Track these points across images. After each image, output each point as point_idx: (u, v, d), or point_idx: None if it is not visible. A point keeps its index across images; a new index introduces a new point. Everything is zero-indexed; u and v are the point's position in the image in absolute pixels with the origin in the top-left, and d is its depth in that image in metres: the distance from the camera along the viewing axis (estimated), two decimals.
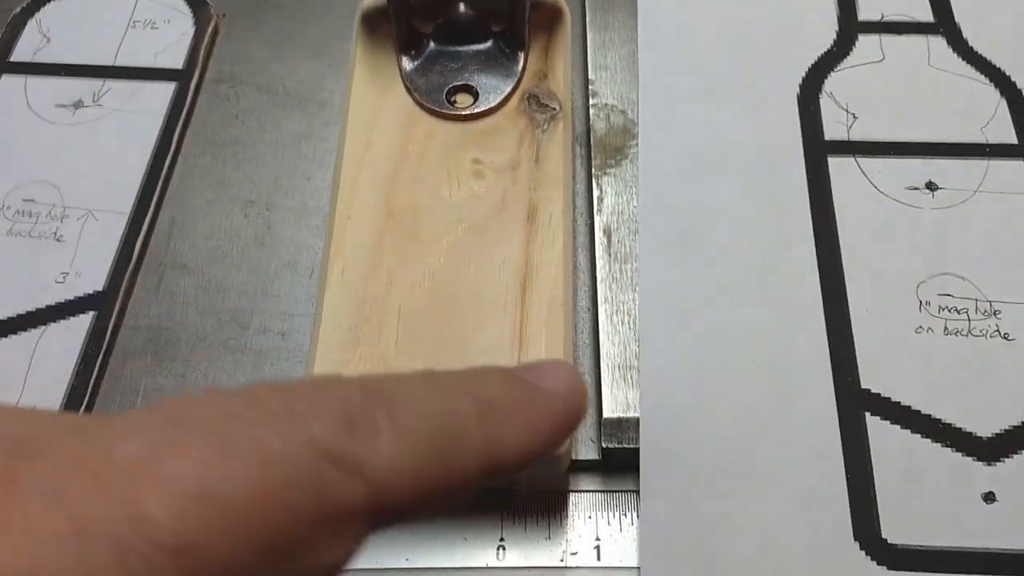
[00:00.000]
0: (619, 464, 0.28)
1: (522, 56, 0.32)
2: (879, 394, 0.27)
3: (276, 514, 0.11)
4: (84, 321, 0.29)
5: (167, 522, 0.10)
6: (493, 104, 0.31)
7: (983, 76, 0.34)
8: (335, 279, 0.27)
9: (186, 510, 0.10)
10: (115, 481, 0.10)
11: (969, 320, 0.28)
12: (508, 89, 0.31)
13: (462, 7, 0.32)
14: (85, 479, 0.10)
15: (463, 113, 0.31)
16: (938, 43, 0.35)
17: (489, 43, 0.32)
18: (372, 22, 0.33)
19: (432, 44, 0.32)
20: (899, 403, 0.27)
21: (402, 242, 0.28)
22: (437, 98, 0.31)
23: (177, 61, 0.36)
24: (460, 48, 0.32)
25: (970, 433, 0.26)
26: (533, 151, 0.30)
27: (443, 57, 0.32)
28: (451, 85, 0.31)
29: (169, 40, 0.37)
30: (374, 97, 0.31)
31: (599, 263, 0.31)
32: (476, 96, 0.31)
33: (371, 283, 0.27)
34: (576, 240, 0.32)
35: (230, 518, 0.11)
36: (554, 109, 0.31)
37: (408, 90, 0.31)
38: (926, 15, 0.36)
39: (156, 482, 0.10)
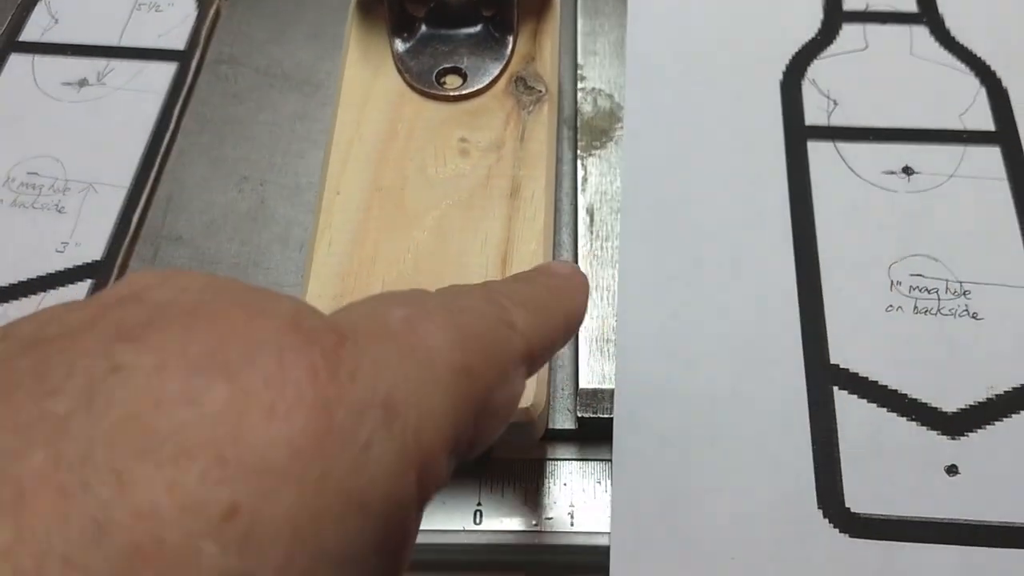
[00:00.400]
0: (594, 433, 0.28)
1: (511, 40, 0.33)
2: (847, 369, 0.28)
3: (498, 351, 0.16)
4: (82, 289, 0.30)
5: (449, 354, 0.14)
6: (481, 86, 0.32)
7: (964, 65, 0.35)
8: (322, 252, 0.28)
9: (462, 346, 0.15)
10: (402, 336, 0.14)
11: (939, 300, 0.29)
12: (496, 71, 0.32)
13: None
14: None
15: (452, 94, 0.32)
16: (921, 33, 0.36)
17: (479, 27, 0.33)
18: (367, 5, 0.34)
19: (424, 27, 0.33)
20: (867, 378, 0.28)
21: (388, 217, 0.29)
22: (427, 79, 0.32)
23: (179, 42, 0.38)
24: (451, 31, 0.33)
25: (935, 408, 0.27)
26: (518, 131, 0.31)
27: (434, 40, 0.33)
28: (441, 67, 0.32)
29: (172, 22, 0.38)
30: (366, 78, 0.32)
31: (581, 241, 0.31)
32: (465, 78, 0.32)
33: (356, 256, 0.28)
34: (560, 218, 0.33)
35: (485, 352, 0.15)
36: (540, 91, 0.32)
37: (399, 71, 0.32)
38: (910, 5, 0.36)
39: (431, 334, 0.14)
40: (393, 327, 0.14)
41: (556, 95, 0.32)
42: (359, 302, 0.15)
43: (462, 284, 0.18)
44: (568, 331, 0.19)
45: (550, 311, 0.18)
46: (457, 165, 0.30)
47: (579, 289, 0.20)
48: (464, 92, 0.32)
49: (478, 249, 0.28)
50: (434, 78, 0.32)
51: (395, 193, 0.30)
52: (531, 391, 0.26)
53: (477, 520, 0.28)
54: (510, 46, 0.33)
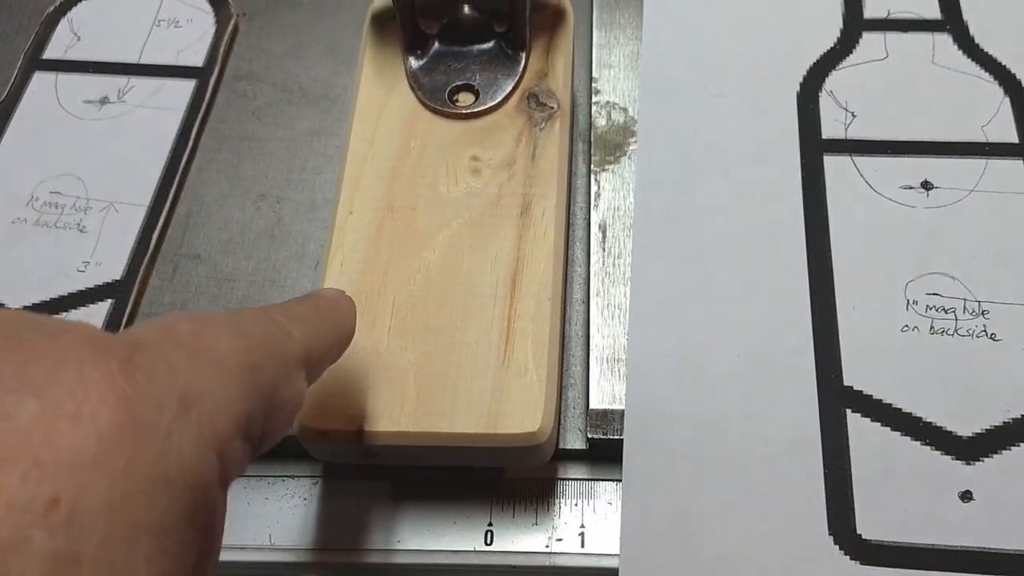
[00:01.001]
0: (606, 454, 0.28)
1: (523, 56, 0.33)
2: (861, 391, 0.27)
3: (279, 353, 0.19)
4: (102, 308, 0.31)
5: (236, 354, 0.17)
6: (493, 103, 0.32)
7: (987, 74, 0.34)
8: (334, 272, 0.28)
9: (247, 347, 0.17)
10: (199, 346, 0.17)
11: (956, 320, 0.28)
12: (508, 88, 0.32)
13: (466, 8, 0.33)
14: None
15: (464, 112, 0.32)
16: (943, 40, 0.35)
17: (492, 43, 0.33)
18: (381, 23, 0.34)
19: (437, 44, 0.33)
20: (880, 400, 0.27)
21: (399, 236, 0.29)
22: (440, 97, 0.32)
23: (198, 59, 0.38)
24: (464, 48, 0.33)
25: (950, 432, 0.26)
26: (530, 148, 0.31)
27: (447, 57, 0.33)
28: (454, 84, 0.32)
29: (191, 38, 0.39)
30: (380, 96, 0.32)
31: (593, 257, 0.31)
32: (477, 95, 0.32)
33: (368, 276, 0.28)
34: (574, 234, 0.33)
35: (268, 353, 0.18)
36: (552, 108, 0.32)
37: (412, 89, 0.32)
38: (933, 12, 0.36)
39: (218, 339, 0.17)
40: (182, 338, 0.17)
41: (568, 111, 0.32)
42: (147, 322, 0.17)
43: (241, 308, 0.21)
44: (340, 343, 0.22)
45: (321, 325, 0.21)
46: (468, 183, 0.30)
47: (346, 309, 0.23)
48: (476, 109, 0.32)
49: (488, 269, 0.28)
50: (447, 95, 0.32)
51: (407, 212, 0.30)
52: (538, 414, 0.26)
53: (488, 541, 0.28)
54: (522, 63, 0.33)
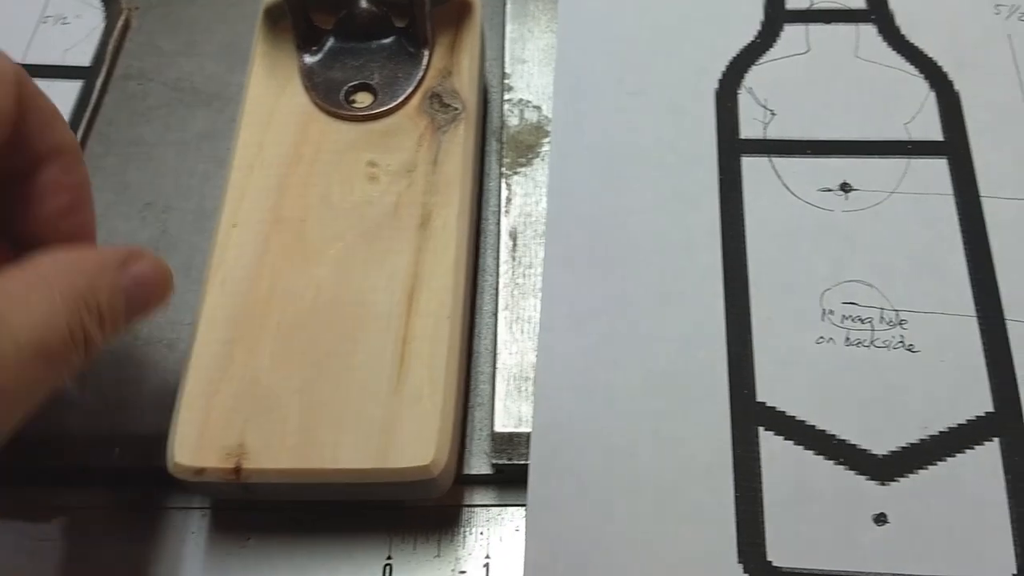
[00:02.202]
0: (514, 478, 0.27)
1: (425, 53, 0.31)
2: (774, 408, 0.26)
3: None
4: None
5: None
6: (392, 104, 0.30)
7: (913, 67, 0.32)
8: (215, 290, 0.26)
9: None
10: None
11: (873, 330, 0.27)
12: (409, 88, 0.30)
13: (364, 2, 0.31)
14: None
15: (360, 113, 0.30)
16: (868, 32, 0.33)
17: (392, 39, 0.31)
18: (274, 18, 0.32)
19: (332, 40, 0.31)
20: (794, 417, 0.26)
21: (287, 251, 0.27)
22: (335, 98, 0.30)
23: (85, 58, 0.35)
24: (361, 44, 0.31)
25: (865, 451, 0.25)
26: (432, 153, 0.29)
27: (343, 54, 0.31)
28: (350, 83, 0.30)
29: (79, 35, 0.36)
30: (271, 97, 0.30)
31: (502, 268, 0.30)
32: (376, 95, 0.30)
33: (251, 295, 0.26)
34: (485, 242, 0.31)
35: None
36: (457, 109, 0.30)
37: (306, 89, 0.30)
38: (858, 2, 0.34)
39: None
40: None
41: (475, 112, 0.30)
42: None
43: None
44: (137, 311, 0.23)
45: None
46: (364, 192, 0.28)
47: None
48: (374, 111, 0.30)
49: (383, 286, 0.27)
50: (343, 96, 0.30)
51: (296, 225, 0.28)
52: (431, 445, 0.24)
53: (386, 575, 0.26)
54: (424, 60, 0.31)
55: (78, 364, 0.21)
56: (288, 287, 0.27)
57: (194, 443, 0.24)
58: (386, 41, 0.31)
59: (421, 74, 0.30)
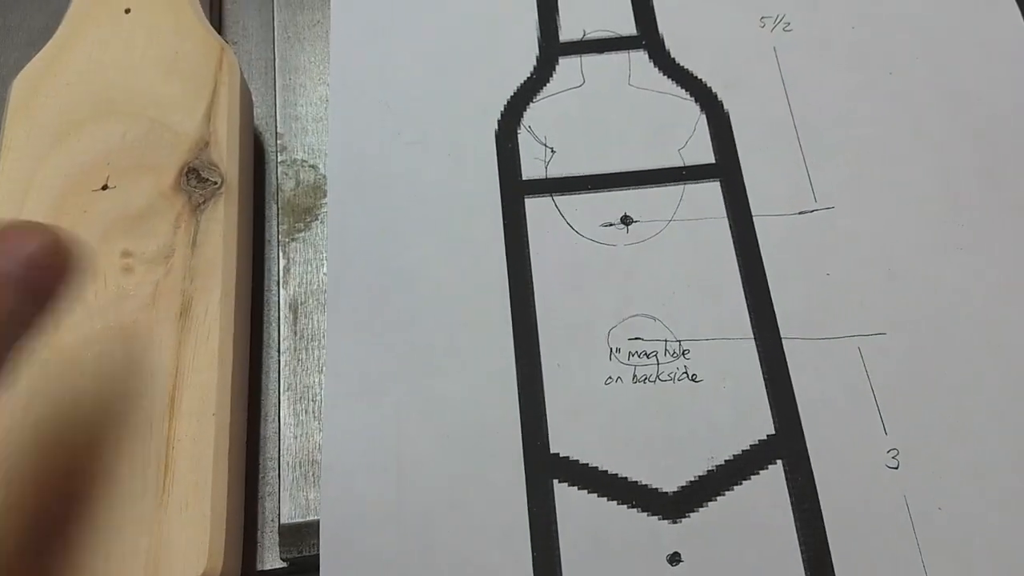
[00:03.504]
0: (309, 568, 0.26)
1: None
2: (567, 457, 0.26)
3: None
4: None
5: None
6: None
7: (683, 90, 0.33)
8: None
9: None
10: None
11: (658, 364, 0.27)
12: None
13: None
14: None
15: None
16: (640, 58, 0.34)
17: None
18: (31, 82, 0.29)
19: None
20: (587, 465, 0.26)
21: (39, 360, 0.25)
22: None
23: None
24: None
25: (656, 489, 0.25)
26: (190, 235, 0.27)
27: None
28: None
29: None
30: (23, 179, 0.28)
31: (283, 344, 0.28)
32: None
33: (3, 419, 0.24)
34: (268, 315, 0.30)
35: None
36: (215, 184, 0.28)
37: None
38: (629, 28, 0.35)
39: None
40: None
41: (237, 184, 0.29)
42: None
43: None
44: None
45: None
46: (120, 285, 0.26)
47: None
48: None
49: (144, 388, 0.25)
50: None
51: (48, 332, 0.25)
52: (203, 554, 0.23)
53: None
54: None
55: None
56: (35, 403, 0.24)
57: None
58: None
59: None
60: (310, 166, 0.32)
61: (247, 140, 0.31)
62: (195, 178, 0.28)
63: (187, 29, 0.31)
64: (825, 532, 0.25)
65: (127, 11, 0.31)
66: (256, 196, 0.31)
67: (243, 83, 0.31)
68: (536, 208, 0.30)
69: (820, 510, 0.25)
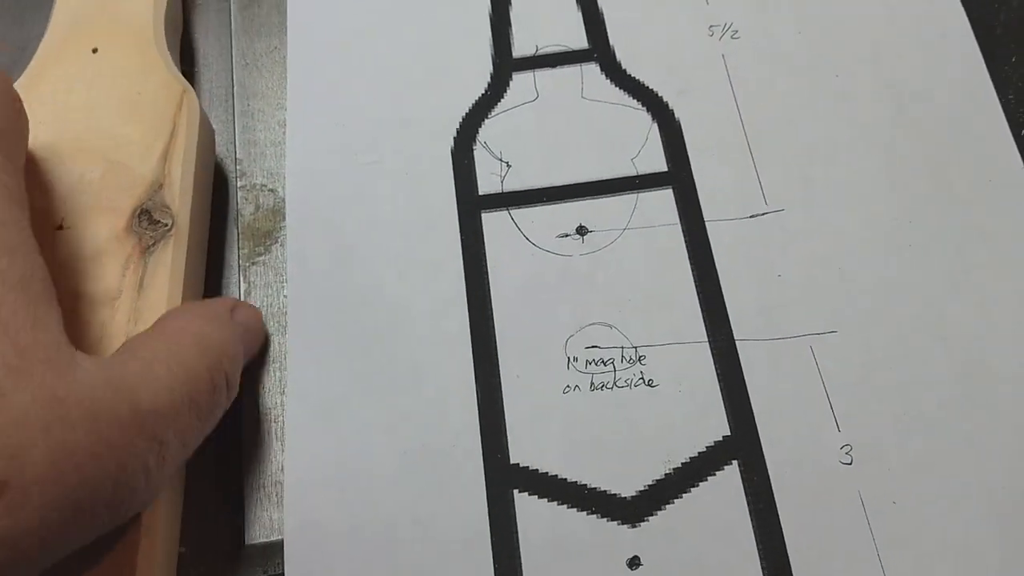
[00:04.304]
0: None
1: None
2: (527, 467, 0.26)
3: None
4: None
5: None
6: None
7: (635, 101, 0.34)
8: None
9: None
10: None
11: (615, 371, 0.28)
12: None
13: None
14: None
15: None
16: (592, 71, 0.34)
17: None
18: None
19: None
20: (546, 474, 0.26)
21: None
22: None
23: None
24: None
25: (615, 495, 0.26)
26: (138, 277, 0.27)
27: None
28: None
29: None
30: None
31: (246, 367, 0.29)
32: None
33: None
34: None
35: None
36: (166, 226, 0.28)
37: None
38: (581, 42, 0.35)
39: None
40: None
41: (188, 226, 0.28)
42: None
43: None
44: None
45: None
46: (68, 326, 0.26)
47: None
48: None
49: None
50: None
51: None
52: None
53: None
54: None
55: (224, 407, 0.23)
56: None
57: None
58: None
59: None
60: (269, 190, 0.32)
61: (204, 179, 0.31)
62: (147, 219, 0.28)
63: (151, 70, 0.31)
64: (781, 530, 0.25)
65: (94, 51, 0.31)
66: (217, 221, 0.32)
67: (204, 122, 0.31)
68: (493, 222, 0.31)
69: (776, 508, 0.25)
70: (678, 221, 0.31)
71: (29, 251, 0.21)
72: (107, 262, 0.27)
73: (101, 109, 0.30)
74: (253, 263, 0.31)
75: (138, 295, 0.27)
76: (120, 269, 0.27)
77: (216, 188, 0.33)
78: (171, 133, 0.29)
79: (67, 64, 0.31)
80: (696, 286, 0.29)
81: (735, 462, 0.26)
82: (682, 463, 0.26)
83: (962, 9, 0.34)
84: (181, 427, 0.21)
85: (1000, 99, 0.32)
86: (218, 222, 0.32)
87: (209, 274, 0.30)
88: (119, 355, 0.21)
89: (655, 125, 0.33)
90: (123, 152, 0.29)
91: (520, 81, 0.34)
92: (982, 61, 0.33)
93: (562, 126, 0.33)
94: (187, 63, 0.36)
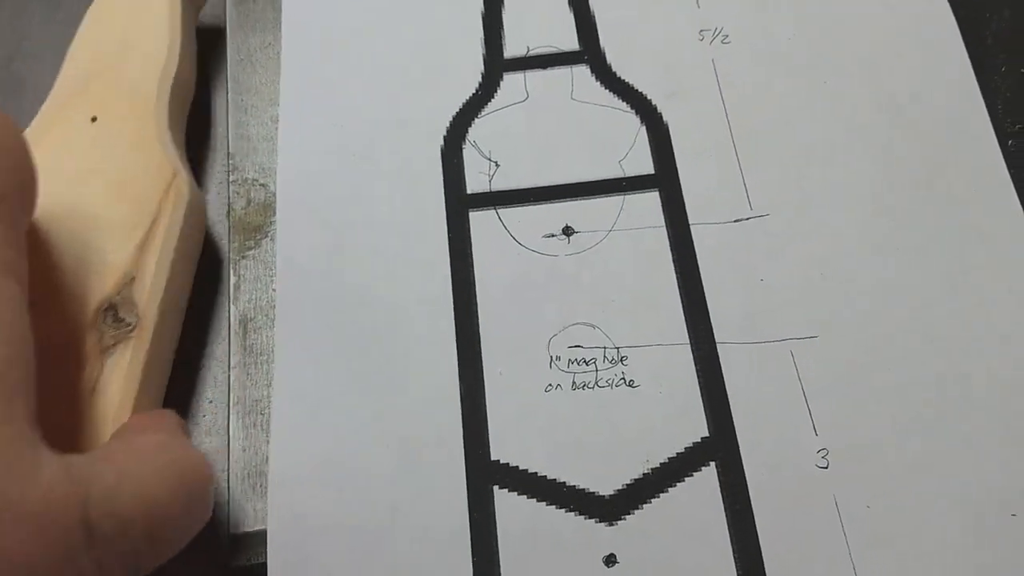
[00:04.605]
0: None
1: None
2: (508, 464, 0.27)
3: None
4: None
5: None
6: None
7: (624, 103, 0.34)
8: None
9: None
10: None
11: (597, 371, 0.28)
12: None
13: None
14: None
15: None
16: (582, 73, 0.35)
17: None
18: None
19: None
20: (526, 471, 0.27)
21: None
22: None
23: None
24: None
25: (593, 493, 0.26)
26: (92, 381, 0.25)
27: None
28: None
29: None
30: None
31: (233, 359, 0.29)
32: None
33: None
34: (219, 331, 0.30)
35: None
36: (128, 326, 0.26)
37: None
38: (572, 44, 0.35)
39: None
40: None
41: (152, 327, 0.26)
42: None
43: None
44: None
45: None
46: None
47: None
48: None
49: None
50: None
51: None
52: None
53: None
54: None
55: (190, 534, 0.22)
56: None
57: None
58: None
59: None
60: (260, 185, 0.32)
61: (184, 269, 0.29)
62: (112, 316, 0.26)
63: (144, 146, 0.29)
64: (756, 532, 0.26)
65: (93, 119, 0.29)
66: (209, 218, 0.32)
67: (194, 205, 0.29)
68: (480, 221, 0.31)
69: (752, 510, 0.26)
70: (664, 224, 0.31)
71: (14, 335, 0.20)
72: (66, 359, 0.25)
73: (90, 184, 0.28)
74: (243, 257, 0.31)
75: (90, 401, 0.25)
76: (77, 369, 0.25)
77: (210, 187, 0.33)
78: (153, 220, 0.28)
79: (66, 130, 0.29)
80: (680, 289, 0.29)
81: (713, 463, 0.27)
82: (660, 463, 0.26)
83: (953, 19, 0.35)
84: (129, 550, 0.20)
85: (988, 108, 0.32)
86: (210, 218, 0.32)
87: (200, 268, 0.31)
88: (88, 459, 0.20)
89: (643, 128, 0.33)
90: (102, 235, 0.27)
91: (511, 81, 0.34)
92: (971, 70, 0.33)
93: (551, 127, 0.33)
94: None
